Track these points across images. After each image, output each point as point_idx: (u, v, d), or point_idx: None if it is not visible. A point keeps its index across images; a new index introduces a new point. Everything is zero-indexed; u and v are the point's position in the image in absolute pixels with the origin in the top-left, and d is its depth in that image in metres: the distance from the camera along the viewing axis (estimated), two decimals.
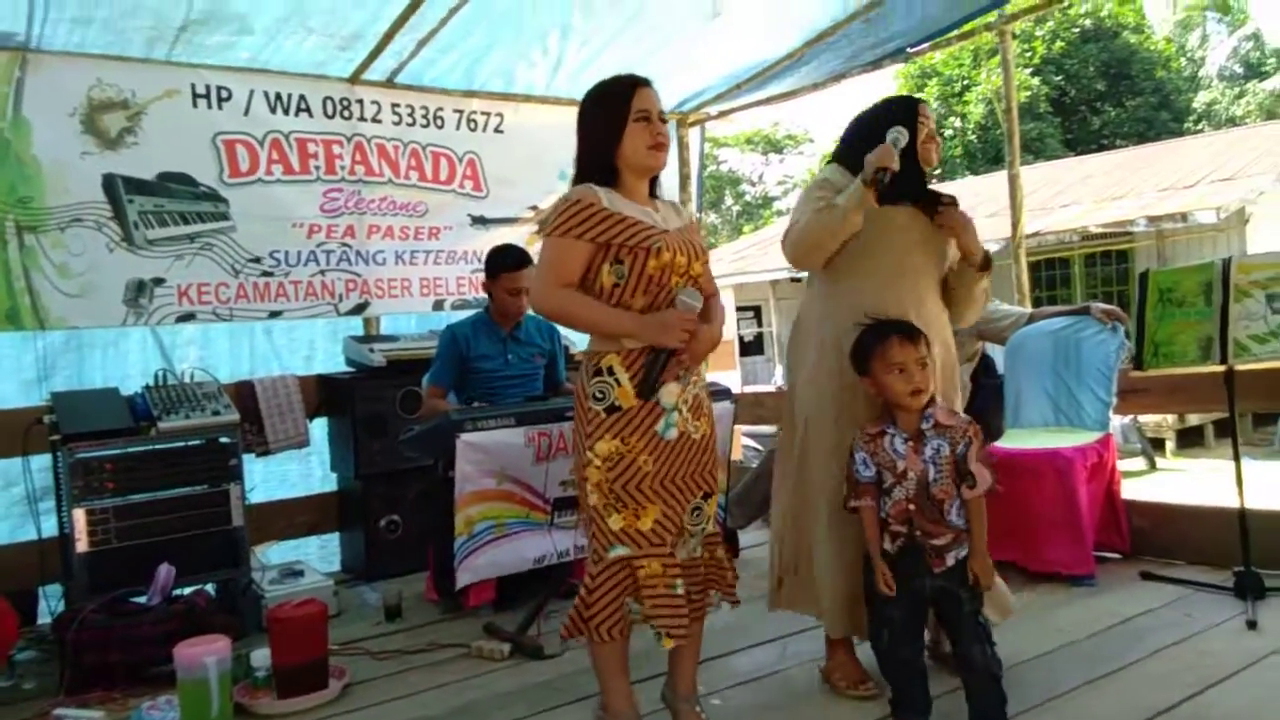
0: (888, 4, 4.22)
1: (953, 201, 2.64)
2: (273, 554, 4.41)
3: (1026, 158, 21.23)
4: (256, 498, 4.36)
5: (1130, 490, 3.87)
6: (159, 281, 4.07)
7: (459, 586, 3.35)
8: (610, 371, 2.18)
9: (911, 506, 2.25)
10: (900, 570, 2.28)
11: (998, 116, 22.04)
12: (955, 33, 4.48)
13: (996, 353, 4.16)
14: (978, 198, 14.08)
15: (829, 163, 2.80)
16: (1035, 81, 22.12)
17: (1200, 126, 23.11)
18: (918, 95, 2.80)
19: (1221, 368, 3.11)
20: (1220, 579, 3.26)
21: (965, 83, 22.78)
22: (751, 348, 17.77)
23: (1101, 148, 21.20)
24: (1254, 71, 25.19)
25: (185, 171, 4.14)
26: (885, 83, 24.31)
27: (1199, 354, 3.10)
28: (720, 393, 3.68)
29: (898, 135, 2.49)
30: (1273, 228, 12.27)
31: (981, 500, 2.29)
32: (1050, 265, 13.50)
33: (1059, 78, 22.68)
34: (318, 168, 4.45)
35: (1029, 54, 22.47)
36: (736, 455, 5.39)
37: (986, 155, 22.35)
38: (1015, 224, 4.28)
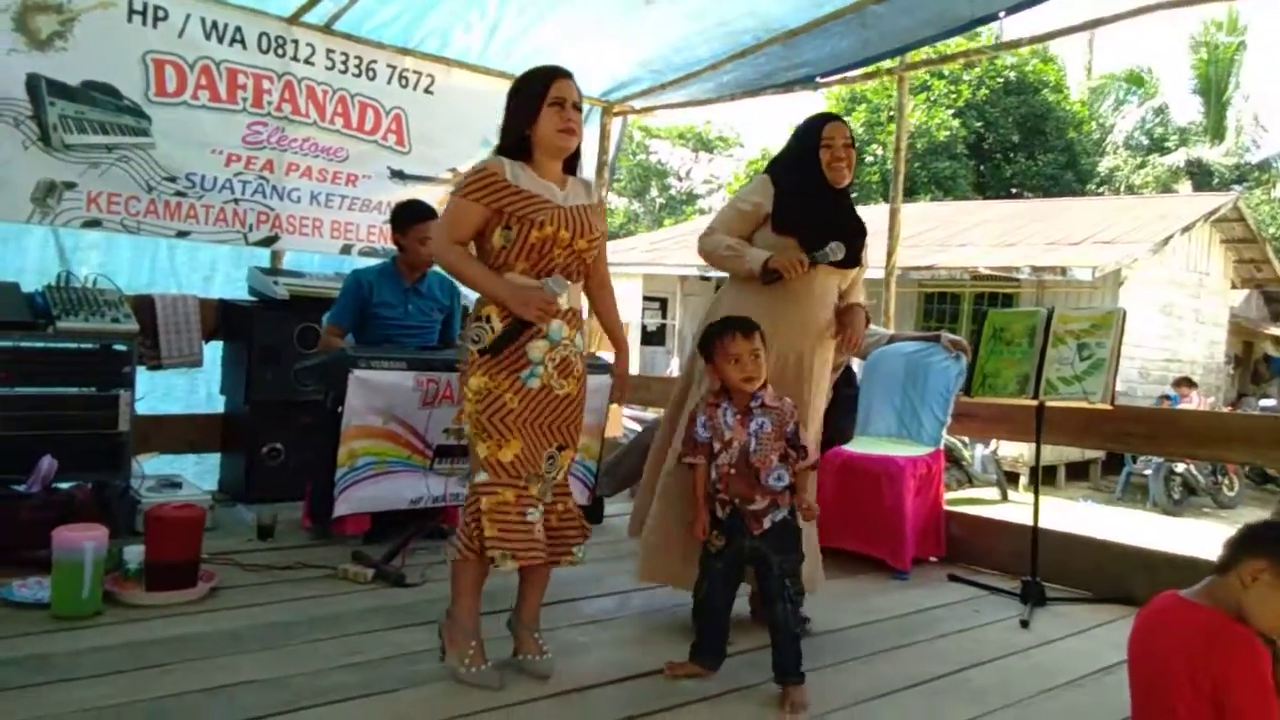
0: (803, 35, 4.56)
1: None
2: (150, 466, 4.51)
3: (937, 194, 22.19)
4: (142, 409, 4.46)
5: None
6: (70, 185, 4.13)
7: (336, 515, 3.56)
8: (488, 320, 2.47)
9: (732, 471, 2.58)
10: (727, 531, 2.61)
11: (917, 150, 22.99)
12: (859, 71, 4.85)
13: (858, 365, 4.56)
14: (880, 225, 14.69)
15: (764, 171, 3.15)
16: (956, 123, 23.07)
17: (1101, 190, 24.50)
18: (830, 115, 3.12)
19: (1034, 402, 3.55)
20: (1012, 586, 3.71)
21: (891, 113, 23.60)
22: (654, 337, 18.15)
23: (1010, 194, 22.32)
24: (1156, 145, 26.82)
25: (111, 83, 4.19)
26: (816, 101, 24.97)
27: (1016, 388, 3.54)
28: (600, 367, 3.98)
29: (829, 252, 2.88)
30: (1142, 291, 13.25)
31: (808, 473, 2.70)
32: (943, 299, 14.24)
33: (979, 123, 23.68)
34: (245, 99, 4.55)
35: (954, 96, 23.42)
36: (615, 431, 5.70)
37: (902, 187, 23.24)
38: (890, 254, 4.69)
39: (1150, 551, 3.63)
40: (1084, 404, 3.40)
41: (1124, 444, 4.09)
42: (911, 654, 3.01)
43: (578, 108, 2.51)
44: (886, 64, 4.80)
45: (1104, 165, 26.41)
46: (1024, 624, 3.33)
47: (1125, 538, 4.32)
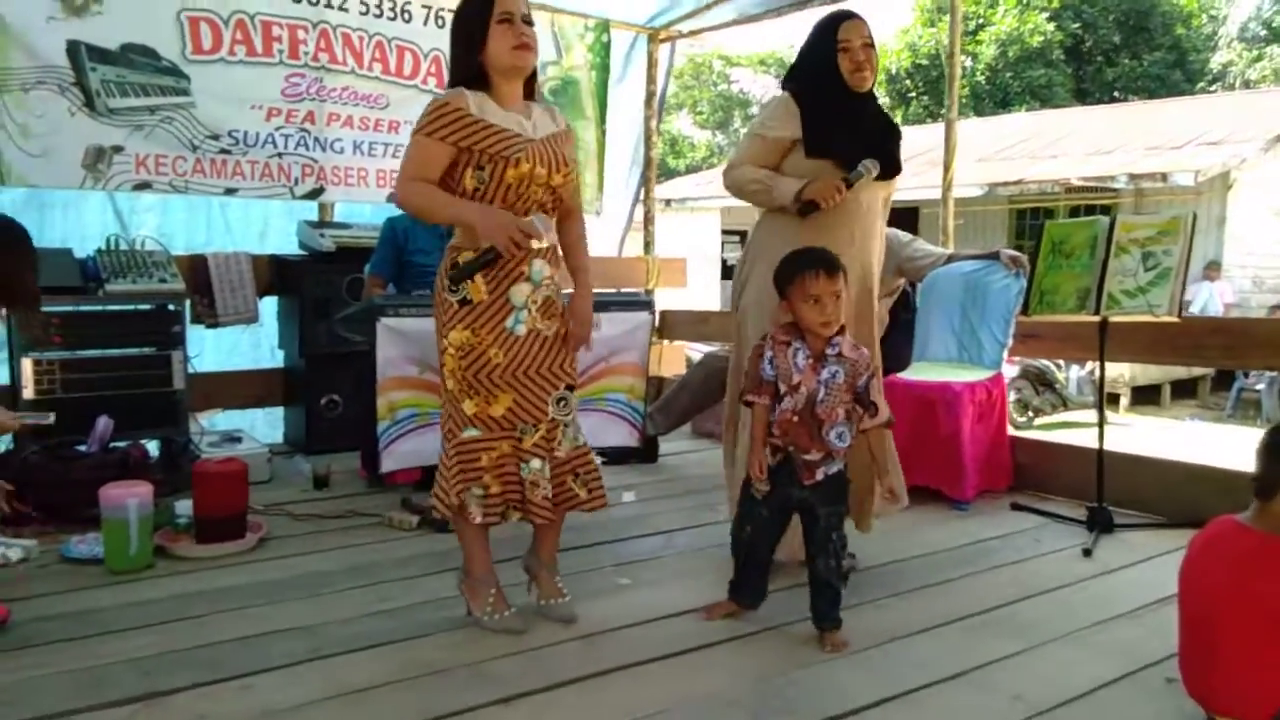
0: None
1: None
2: (220, 421, 4.66)
3: (1033, 104, 21.08)
4: (208, 367, 4.60)
5: (1072, 440, 4.12)
6: (118, 149, 4.21)
7: (382, 470, 3.58)
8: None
9: (795, 418, 2.42)
10: (776, 478, 2.48)
11: (1010, 58, 21.81)
12: None
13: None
14: (968, 141, 14.07)
15: (784, 89, 2.92)
16: (1051, 27, 21.78)
17: (1214, 88, 22.85)
18: (846, 12, 2.91)
19: (1095, 319, 3.31)
20: (1079, 513, 3.52)
21: (980, 22, 22.41)
22: (733, 271, 17.88)
23: (1113, 100, 21.02)
24: (1276, 36, 24.81)
25: (148, 44, 4.23)
26: (897, 10, 23.93)
27: (1076, 303, 3.30)
28: (639, 304, 3.89)
29: (861, 170, 2.69)
30: (1254, 194, 12.38)
31: (882, 431, 2.51)
32: (1035, 215, 13.59)
33: (1076, 25, 22.31)
34: (281, 51, 4.54)
35: None
36: (663, 370, 5.62)
37: (994, 98, 22.14)
38: (947, 169, 4.42)
39: (1226, 471, 3.37)
40: (1148, 317, 3.15)
41: (1200, 358, 3.81)
42: (960, 587, 2.88)
43: (529, 21, 2.35)
44: None
45: (1216, 61, 24.58)
46: (1086, 552, 3.15)
47: (1219, 458, 4.06)
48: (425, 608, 2.65)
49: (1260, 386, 10.20)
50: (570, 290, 2.56)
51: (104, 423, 3.47)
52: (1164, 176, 11.26)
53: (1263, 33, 24.90)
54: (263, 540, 3.21)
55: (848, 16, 2.78)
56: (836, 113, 2.79)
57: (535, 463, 2.41)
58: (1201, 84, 23.31)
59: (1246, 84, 22.86)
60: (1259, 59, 24.17)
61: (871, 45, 2.76)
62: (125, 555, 2.88)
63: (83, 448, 3.49)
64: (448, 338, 2.39)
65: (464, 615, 2.54)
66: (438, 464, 2.49)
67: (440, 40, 5.00)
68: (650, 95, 5.86)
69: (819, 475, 2.44)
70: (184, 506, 3.20)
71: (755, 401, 2.48)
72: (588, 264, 2.63)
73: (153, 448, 3.89)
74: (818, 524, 2.45)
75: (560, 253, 2.53)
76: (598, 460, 2.62)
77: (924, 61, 22.91)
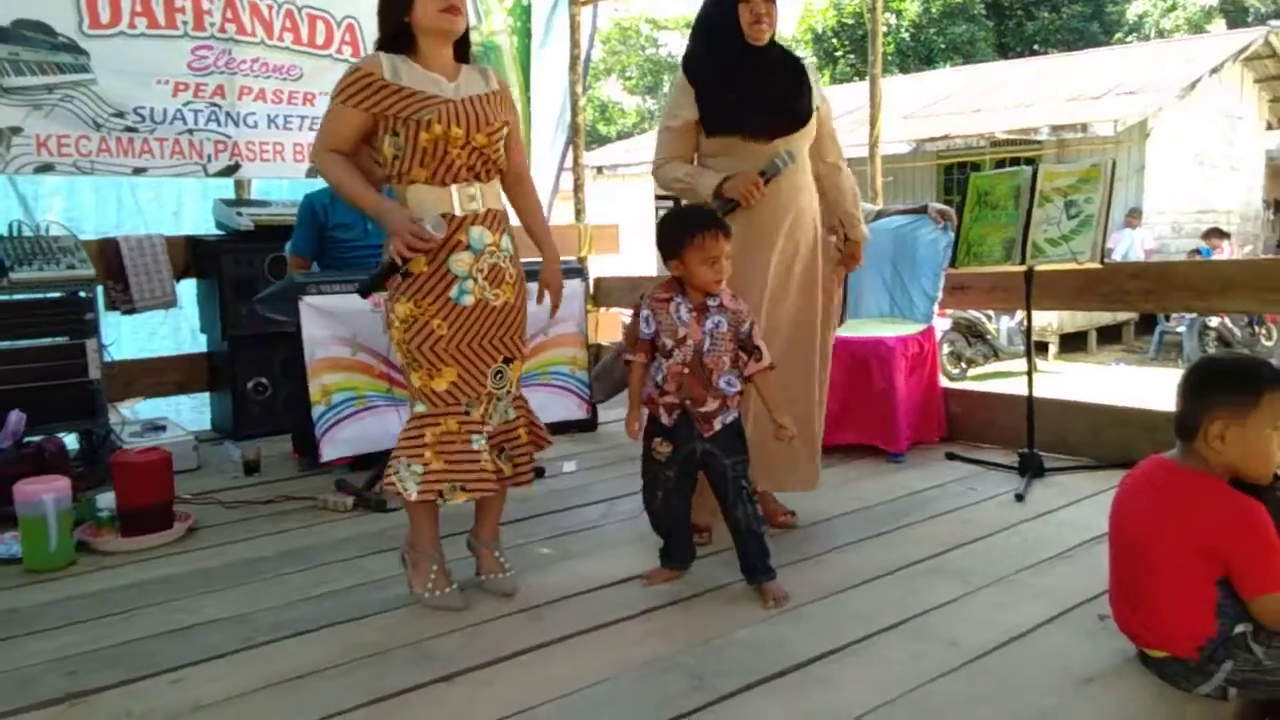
0: None
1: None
2: (144, 409, 4.52)
3: (956, 60, 21.32)
4: (126, 354, 4.45)
5: (1005, 389, 4.18)
6: (16, 130, 4.01)
7: (324, 459, 3.48)
8: None
9: (685, 370, 2.44)
10: (676, 437, 2.48)
11: (933, 14, 22.02)
12: None
13: None
14: (886, 100, 14.18)
15: (681, 70, 2.86)
16: None
17: (1130, 39, 23.34)
18: None
19: (1022, 268, 3.36)
20: (1011, 460, 3.59)
21: None
22: None
23: (1034, 53, 21.34)
24: None
25: (42, 20, 4.03)
26: None
27: (1002, 254, 3.34)
28: (570, 271, 3.84)
29: (776, 163, 2.68)
30: (1171, 142, 12.70)
31: (769, 373, 2.51)
32: (963, 168, 13.76)
33: None
34: (185, 23, 4.36)
35: None
36: (600, 337, 5.59)
37: (919, 55, 22.34)
38: (873, 126, 4.43)
39: (1151, 412, 3.47)
40: (1072, 265, 3.20)
41: (1122, 303, 3.89)
42: (898, 538, 2.92)
43: None
44: None
45: (1131, 11, 25.13)
46: (1019, 498, 3.22)
47: (1144, 400, 4.17)
48: (364, 589, 2.60)
49: (1181, 329, 10.51)
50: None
51: (16, 417, 3.33)
52: (1084, 127, 11.49)
53: None
54: (192, 530, 3.12)
55: None
56: (735, 76, 2.75)
57: (477, 439, 2.37)
58: (1118, 35, 23.81)
59: (1161, 34, 23.40)
60: (1173, 9, 24.76)
61: (773, 0, 2.72)
62: (45, 553, 2.77)
63: None
64: (394, 310, 2.34)
65: (404, 594, 2.50)
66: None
67: (353, 7, 4.85)
68: (574, 59, 5.77)
69: (716, 425, 2.46)
70: (106, 500, 3.09)
71: (632, 359, 2.51)
72: (547, 227, 2.63)
73: (72, 441, 3.76)
74: (725, 476, 2.47)
75: (507, 217, 2.47)
76: (533, 430, 2.57)
77: (849, 20, 23.00)
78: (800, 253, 2.86)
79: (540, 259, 2.58)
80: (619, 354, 4.76)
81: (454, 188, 2.29)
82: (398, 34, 2.28)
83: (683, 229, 2.42)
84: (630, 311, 6.51)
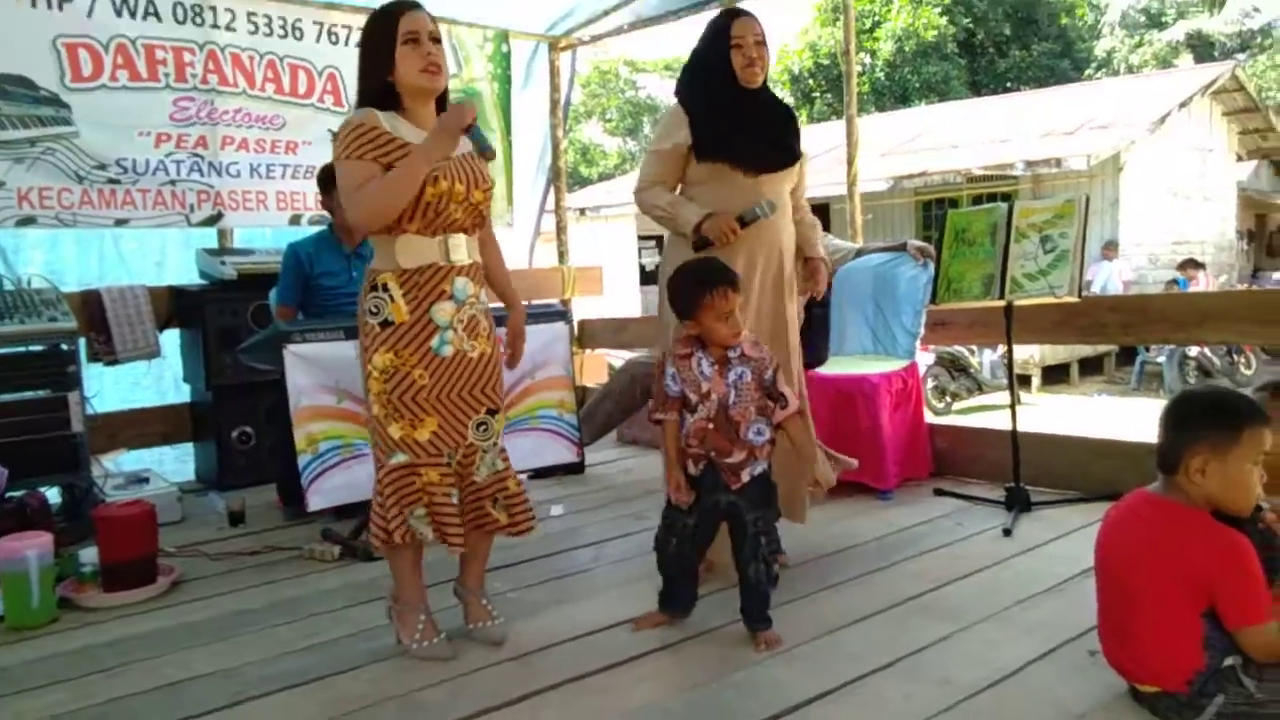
0: None
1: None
2: (127, 461, 4.47)
3: (931, 98, 21.65)
4: (109, 406, 4.41)
5: (989, 424, 4.20)
6: None
7: (311, 509, 3.45)
8: (385, 288, 2.30)
9: (710, 425, 2.42)
10: (701, 487, 2.47)
11: (907, 54, 22.39)
12: None
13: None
14: (864, 138, 14.39)
15: (676, 97, 2.91)
16: (943, 22, 22.44)
17: (1099, 75, 23.80)
18: (738, 10, 2.89)
19: (1001, 303, 3.40)
20: (998, 495, 3.60)
21: (875, 19, 22.95)
22: (651, 277, 17.93)
23: (1007, 90, 21.73)
24: (1154, 21, 25.99)
25: (24, 74, 4.04)
26: (797, 12, 24.35)
27: (982, 289, 3.38)
28: (553, 314, 3.86)
29: (756, 211, 2.71)
30: (1144, 174, 12.92)
31: (796, 418, 2.50)
32: (940, 204, 13.94)
33: (968, 20, 23.03)
34: (167, 75, 4.39)
35: None
36: (585, 379, 5.59)
37: (893, 93, 22.70)
38: (850, 165, 4.49)
39: (1135, 444, 3.49)
40: (1050, 299, 3.24)
41: (1101, 335, 3.93)
42: (889, 576, 2.91)
43: (436, 39, 2.30)
44: None
45: (1100, 48, 25.66)
46: (1007, 532, 3.22)
47: (1131, 430, 4.19)
48: (352, 640, 2.57)
49: (1161, 359, 10.61)
50: (502, 307, 2.56)
51: None
52: (1058, 162, 11.67)
53: (1142, 19, 26.06)
54: (176, 584, 3.08)
55: (740, 14, 2.80)
56: (728, 111, 2.79)
57: (454, 494, 2.36)
58: (1089, 71, 24.28)
59: (1130, 69, 23.88)
60: (1140, 45, 25.28)
61: (763, 43, 2.78)
62: (27, 610, 2.73)
63: None
64: (372, 361, 2.33)
65: (392, 645, 2.47)
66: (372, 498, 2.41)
67: (335, 57, 4.90)
68: (555, 104, 5.83)
69: (745, 477, 2.43)
70: (89, 554, 3.04)
71: (664, 419, 2.49)
72: (510, 277, 2.64)
73: (54, 495, 3.72)
74: (745, 530, 2.44)
75: (482, 270, 2.47)
76: (524, 483, 2.56)
77: (825, 61, 23.38)
78: (772, 279, 2.88)
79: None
80: (605, 395, 4.78)
81: (442, 238, 2.31)
82: (380, 92, 2.30)
83: (694, 289, 2.42)
84: (613, 353, 6.53)
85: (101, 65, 4.22)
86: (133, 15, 4.28)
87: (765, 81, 2.84)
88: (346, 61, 4.93)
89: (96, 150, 4.22)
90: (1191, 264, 11.56)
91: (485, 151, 2.32)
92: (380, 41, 2.28)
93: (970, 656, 2.28)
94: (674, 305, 2.51)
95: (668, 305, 2.85)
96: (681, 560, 2.54)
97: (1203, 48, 24.22)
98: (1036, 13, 23.59)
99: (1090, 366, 12.35)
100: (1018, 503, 3.44)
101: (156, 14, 4.34)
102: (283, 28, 4.72)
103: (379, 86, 2.30)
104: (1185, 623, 1.74)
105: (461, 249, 2.34)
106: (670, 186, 2.87)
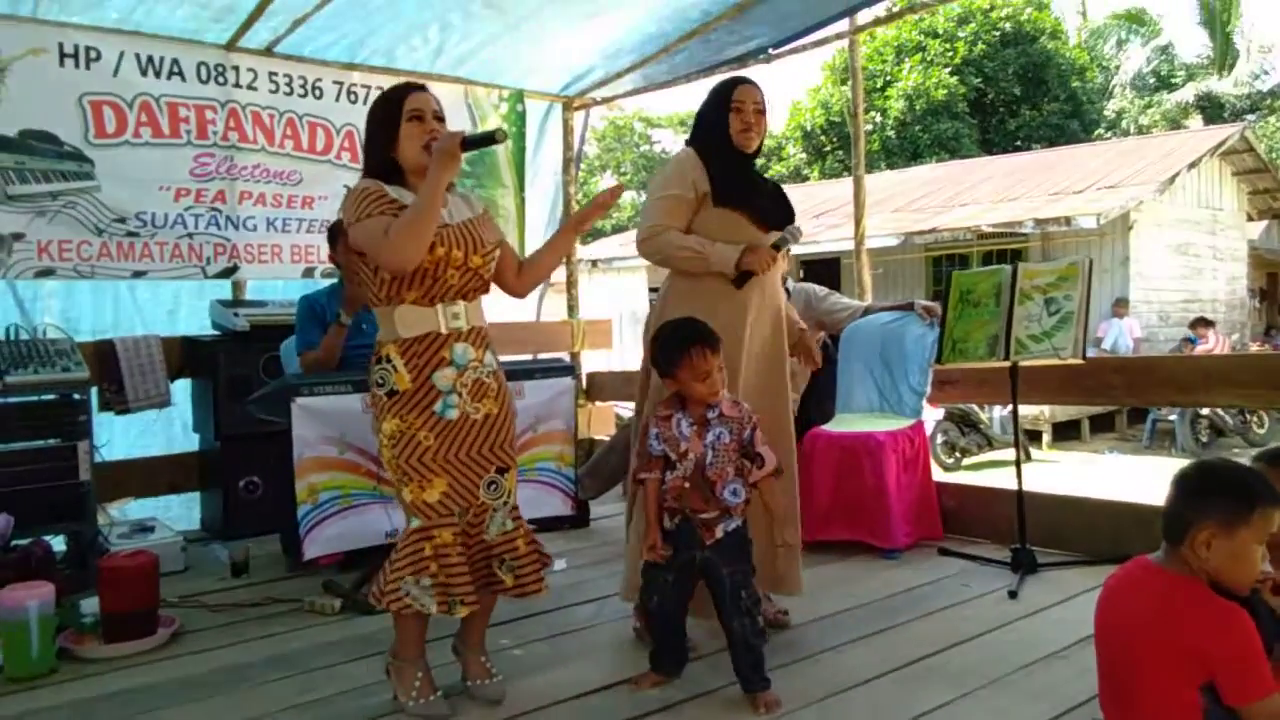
0: (750, 6, 4.43)
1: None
2: (134, 510, 4.49)
3: (942, 155, 21.85)
4: (118, 454, 4.43)
5: (998, 480, 4.17)
6: (18, 236, 4.09)
7: (306, 558, 3.45)
8: (389, 359, 2.34)
9: (686, 484, 2.44)
10: (677, 542, 2.48)
11: (917, 112, 22.65)
12: (811, 38, 4.70)
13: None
14: (880, 194, 14.53)
15: (688, 146, 2.92)
16: (954, 81, 22.71)
17: (1109, 135, 23.99)
18: (742, 78, 2.90)
19: (1006, 364, 3.40)
20: (1004, 555, 3.57)
21: (887, 79, 23.28)
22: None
23: (1017, 149, 21.92)
24: (1164, 83, 26.27)
25: (49, 130, 4.15)
26: (809, 70, 24.69)
27: (986, 350, 3.39)
28: (560, 370, 3.89)
29: (787, 236, 2.79)
30: (1153, 233, 12.97)
31: (771, 480, 2.50)
32: (951, 260, 13.99)
33: (978, 79, 23.31)
34: (189, 132, 4.49)
35: (950, 54, 23.05)
36: (593, 432, 5.61)
37: (904, 151, 22.92)
38: (858, 224, 4.54)
39: (1143, 507, 3.46)
40: (1054, 361, 3.25)
41: (1105, 397, 3.93)
42: (892, 637, 2.89)
43: (440, 118, 2.38)
44: (835, 28, 4.64)
45: (1110, 108, 25.90)
46: (1012, 594, 3.19)
47: (1142, 490, 4.16)
48: (348, 696, 2.55)
49: (1173, 417, 10.54)
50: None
51: (3, 520, 3.31)
52: (1068, 220, 11.73)
53: (1152, 81, 26.35)
54: (176, 635, 3.07)
55: (743, 81, 2.86)
56: (733, 168, 2.84)
57: (463, 552, 2.37)
58: (1098, 131, 24.48)
59: (1140, 130, 24.08)
60: (1149, 106, 25.52)
61: (763, 112, 2.82)
62: (26, 660, 2.73)
63: None
64: (382, 430, 2.36)
65: (389, 702, 2.46)
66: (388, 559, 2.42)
67: (352, 115, 5.01)
68: (567, 161, 5.93)
69: (719, 533, 2.45)
70: (90, 604, 3.05)
71: (646, 478, 2.51)
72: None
73: (60, 543, 3.73)
74: (723, 585, 2.44)
75: (488, 334, 2.47)
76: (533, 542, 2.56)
77: (836, 118, 23.67)
78: (769, 340, 2.90)
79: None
80: (611, 448, 4.77)
81: (439, 307, 2.34)
82: (385, 167, 2.36)
83: (672, 349, 2.46)
84: (622, 405, 6.53)
85: (125, 122, 4.32)
86: (157, 75, 4.40)
87: (759, 151, 2.87)
88: (364, 119, 5.02)
89: (117, 204, 4.31)
90: (1202, 322, 11.54)
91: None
92: (385, 119, 2.36)
93: None
94: (654, 363, 2.54)
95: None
96: (665, 618, 2.54)
97: (1212, 109, 24.43)
98: (1046, 74, 23.85)
99: (1102, 423, 12.28)
100: (1023, 564, 3.41)
101: (181, 74, 4.46)
102: (303, 87, 4.84)
103: (383, 162, 2.36)
104: (1184, 696, 1.71)
105: (460, 316, 2.38)
106: (683, 232, 2.83)
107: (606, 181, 32.99)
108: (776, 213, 2.89)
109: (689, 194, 2.79)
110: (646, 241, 2.82)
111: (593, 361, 6.27)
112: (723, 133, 2.81)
